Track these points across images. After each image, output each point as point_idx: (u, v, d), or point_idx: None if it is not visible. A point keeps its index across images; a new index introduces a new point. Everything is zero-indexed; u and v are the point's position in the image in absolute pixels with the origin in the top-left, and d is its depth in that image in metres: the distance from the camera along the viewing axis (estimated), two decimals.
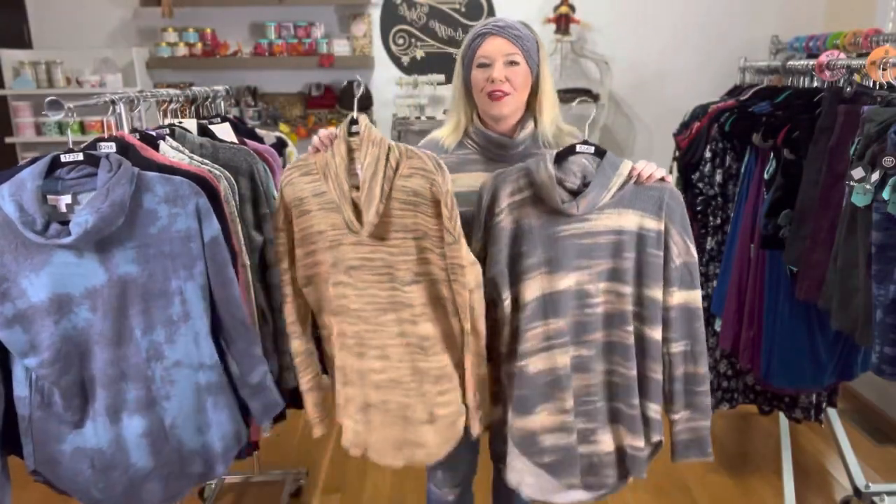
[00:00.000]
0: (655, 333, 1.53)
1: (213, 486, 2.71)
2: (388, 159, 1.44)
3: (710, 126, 2.51)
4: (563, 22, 3.55)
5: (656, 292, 1.52)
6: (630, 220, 1.51)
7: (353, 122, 1.47)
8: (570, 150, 1.53)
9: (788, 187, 2.12)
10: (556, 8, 3.55)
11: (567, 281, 1.51)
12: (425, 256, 1.48)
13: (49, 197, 1.43)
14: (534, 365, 1.53)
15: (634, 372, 1.54)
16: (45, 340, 1.44)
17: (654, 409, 1.56)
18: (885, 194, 1.63)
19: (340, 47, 3.71)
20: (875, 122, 1.75)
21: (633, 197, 1.51)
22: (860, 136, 1.80)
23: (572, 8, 3.54)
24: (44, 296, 1.42)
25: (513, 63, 1.58)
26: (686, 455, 1.62)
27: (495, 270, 1.52)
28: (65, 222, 1.39)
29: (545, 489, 1.59)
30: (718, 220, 2.50)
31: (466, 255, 1.45)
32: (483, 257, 1.52)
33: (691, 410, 1.59)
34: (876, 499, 2.45)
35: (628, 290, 1.52)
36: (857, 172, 1.69)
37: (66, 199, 1.44)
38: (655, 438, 1.59)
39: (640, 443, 1.56)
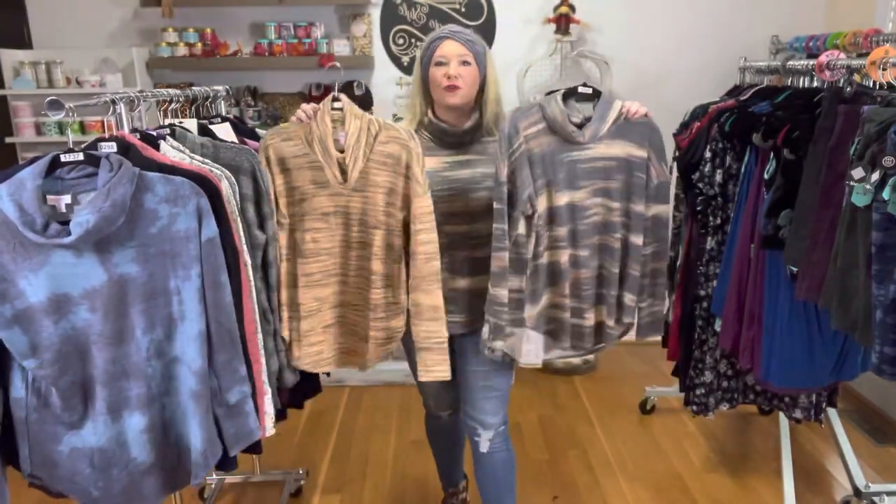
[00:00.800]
0: (637, 240, 1.92)
1: (213, 485, 2.71)
2: (369, 129, 1.83)
3: (710, 126, 2.51)
4: (563, 22, 3.55)
5: (640, 207, 1.90)
6: (621, 149, 1.88)
7: (336, 99, 1.83)
8: (573, 91, 1.89)
9: (788, 187, 2.12)
10: (556, 8, 3.55)
11: (566, 197, 1.86)
12: (388, 209, 1.85)
13: (49, 197, 1.42)
14: (543, 258, 1.89)
15: (618, 269, 1.93)
16: (45, 341, 1.43)
17: (630, 298, 1.96)
18: (885, 194, 1.64)
19: (340, 47, 3.71)
20: (875, 122, 1.75)
21: (623, 130, 1.88)
22: (860, 136, 1.80)
23: (572, 8, 3.54)
24: (42, 296, 1.42)
25: (465, 63, 1.87)
26: (647, 334, 2.05)
27: (530, 190, 1.84)
28: (64, 222, 1.39)
29: (543, 350, 1.97)
30: (718, 220, 2.50)
31: (429, 204, 1.83)
32: (510, 178, 1.84)
33: (653, 298, 2.01)
34: (876, 499, 2.46)
35: (617, 205, 1.90)
36: (857, 172, 1.69)
37: (65, 199, 1.43)
38: (627, 320, 1.98)
39: (614, 322, 1.97)
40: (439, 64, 1.87)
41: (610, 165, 1.87)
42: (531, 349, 1.93)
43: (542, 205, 1.86)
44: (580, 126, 1.85)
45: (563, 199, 1.86)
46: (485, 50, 1.93)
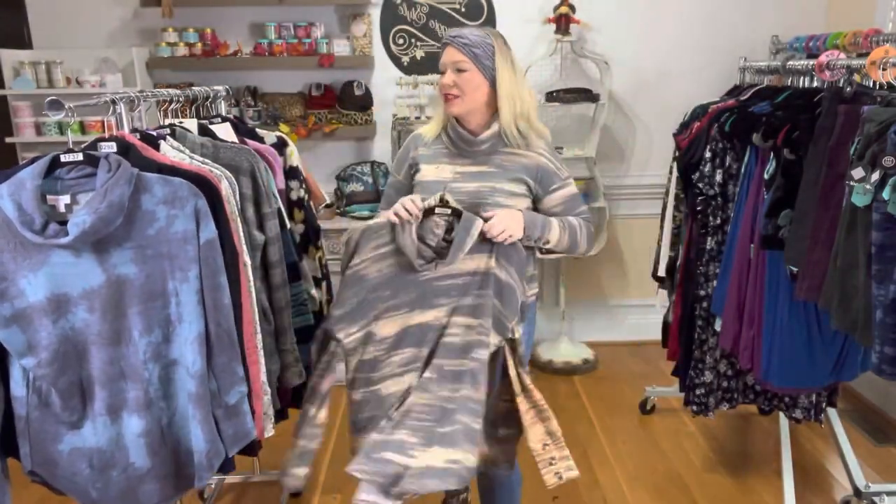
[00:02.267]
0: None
1: (213, 485, 2.71)
2: None
3: (710, 126, 2.51)
4: (563, 22, 3.54)
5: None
6: (482, 263, 1.75)
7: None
8: (431, 212, 1.76)
9: (788, 187, 2.12)
10: (556, 8, 3.55)
11: (425, 316, 1.75)
12: None
13: (48, 197, 1.43)
14: (385, 388, 1.76)
15: (475, 395, 1.71)
16: (43, 340, 1.43)
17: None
18: (885, 194, 1.64)
19: (340, 47, 3.71)
20: (875, 122, 1.75)
21: (481, 243, 1.74)
22: (860, 136, 1.80)
23: (572, 8, 3.54)
24: (41, 295, 1.42)
25: (461, 70, 1.80)
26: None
27: (342, 311, 1.76)
28: (63, 222, 1.39)
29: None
30: (718, 220, 2.50)
31: None
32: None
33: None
34: (876, 499, 2.45)
35: (477, 322, 1.74)
36: (857, 172, 1.69)
37: (64, 199, 1.44)
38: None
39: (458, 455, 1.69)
40: (441, 73, 1.84)
41: (471, 280, 1.75)
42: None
43: (391, 328, 1.76)
44: (437, 252, 1.75)
45: (418, 318, 1.76)
46: (494, 50, 1.82)
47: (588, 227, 1.91)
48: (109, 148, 1.51)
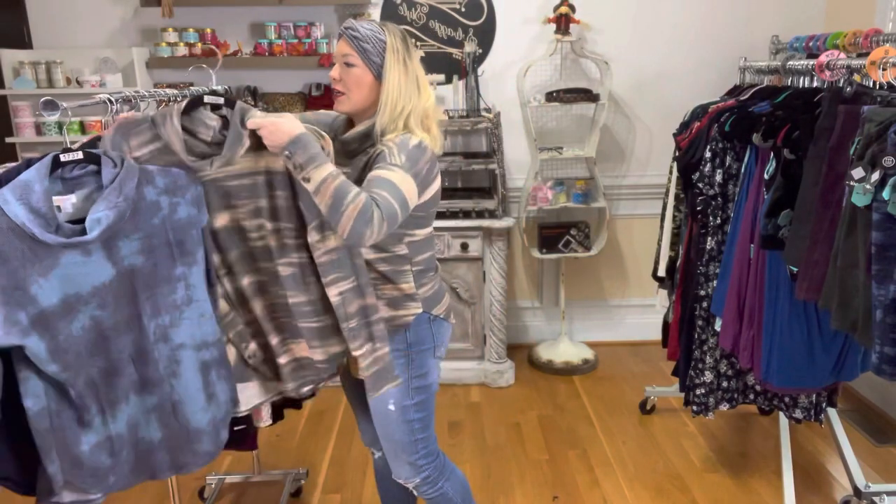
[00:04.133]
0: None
1: (213, 485, 2.71)
2: None
3: (710, 126, 2.51)
4: (563, 22, 3.54)
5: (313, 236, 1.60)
6: (275, 161, 1.57)
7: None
8: (199, 101, 1.54)
9: (788, 187, 2.12)
10: (556, 8, 3.55)
11: (221, 219, 1.60)
12: None
13: (54, 198, 1.42)
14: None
15: (295, 299, 1.63)
16: (62, 343, 1.41)
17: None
18: (885, 194, 1.64)
19: None
20: (875, 122, 1.75)
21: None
22: (860, 136, 1.80)
23: (572, 8, 3.54)
24: (55, 299, 1.40)
25: (348, 64, 1.67)
26: (379, 387, 1.71)
27: None
28: (71, 221, 1.40)
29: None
30: (718, 220, 2.50)
31: None
32: None
33: (372, 342, 1.68)
34: (876, 499, 2.45)
35: (283, 225, 1.60)
36: (857, 172, 1.69)
37: (71, 198, 1.44)
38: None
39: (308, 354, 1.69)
40: (333, 65, 1.71)
41: (265, 180, 1.58)
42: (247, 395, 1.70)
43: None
44: (210, 146, 1.54)
45: (217, 221, 1.60)
46: (385, 46, 1.68)
47: (366, 208, 1.49)
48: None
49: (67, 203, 1.43)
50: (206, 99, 1.54)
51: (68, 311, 1.42)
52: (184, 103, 1.53)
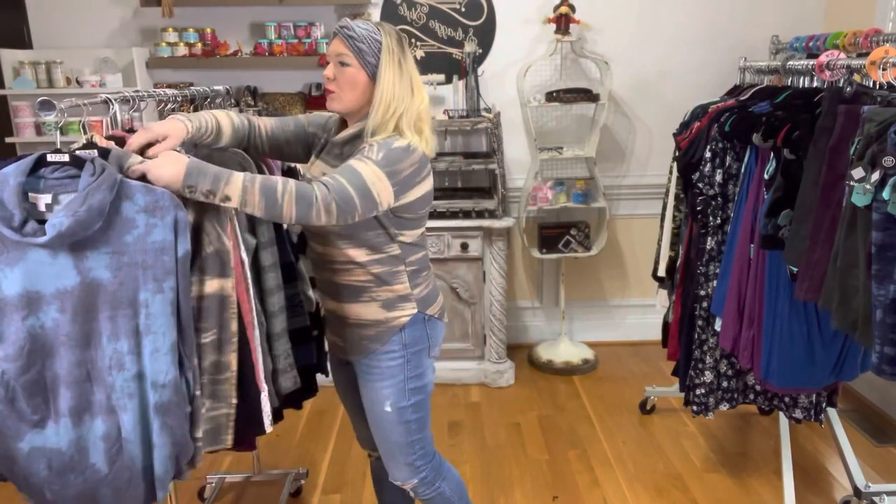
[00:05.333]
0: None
1: (212, 485, 2.71)
2: None
3: (710, 126, 2.51)
4: (563, 22, 3.54)
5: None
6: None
7: None
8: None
9: (788, 187, 2.12)
10: (556, 8, 3.55)
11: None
12: None
13: (30, 195, 1.42)
14: None
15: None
16: (11, 336, 1.43)
17: None
18: (885, 194, 1.64)
19: None
20: (875, 122, 1.75)
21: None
22: (860, 136, 1.80)
23: (572, 8, 3.54)
24: (15, 290, 1.42)
25: (343, 64, 1.66)
26: (207, 445, 1.61)
27: None
28: (42, 221, 1.39)
29: None
30: (718, 220, 2.50)
31: None
32: None
33: (213, 400, 1.59)
34: (876, 499, 2.45)
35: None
36: (857, 172, 1.69)
37: (45, 198, 1.43)
38: None
39: None
40: (327, 64, 1.70)
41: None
42: None
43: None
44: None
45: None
46: (381, 46, 1.66)
47: (302, 191, 1.51)
48: (93, 152, 1.47)
49: (41, 202, 1.43)
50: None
51: (26, 306, 1.43)
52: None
